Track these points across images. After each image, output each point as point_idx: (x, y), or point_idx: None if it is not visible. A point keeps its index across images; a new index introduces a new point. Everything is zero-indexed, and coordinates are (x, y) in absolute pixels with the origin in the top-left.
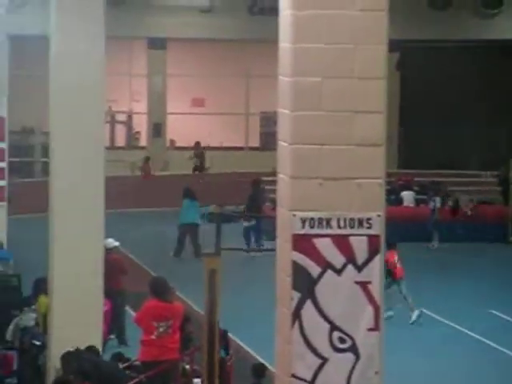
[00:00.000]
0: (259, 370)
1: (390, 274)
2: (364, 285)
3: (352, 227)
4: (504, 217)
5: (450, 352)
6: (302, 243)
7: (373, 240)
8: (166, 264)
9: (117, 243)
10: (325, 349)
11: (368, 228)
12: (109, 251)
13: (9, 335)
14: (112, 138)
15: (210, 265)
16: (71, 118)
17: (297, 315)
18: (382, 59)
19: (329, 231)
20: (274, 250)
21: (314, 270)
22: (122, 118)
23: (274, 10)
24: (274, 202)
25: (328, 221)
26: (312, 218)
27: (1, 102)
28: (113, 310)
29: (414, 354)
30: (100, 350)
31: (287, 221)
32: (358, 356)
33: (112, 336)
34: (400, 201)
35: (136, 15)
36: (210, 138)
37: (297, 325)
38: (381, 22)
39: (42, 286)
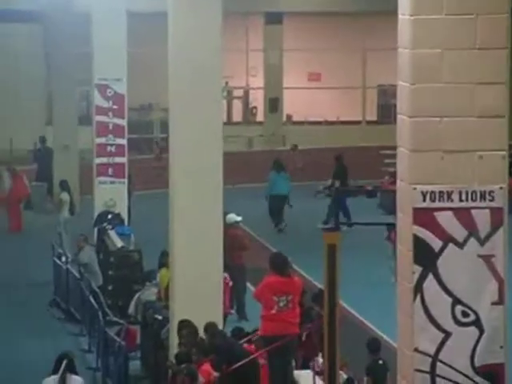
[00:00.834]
0: (374, 346)
1: None
2: (487, 258)
3: (474, 200)
4: None
5: None
6: (423, 217)
7: (495, 213)
8: (283, 239)
9: (238, 218)
10: (447, 323)
11: (490, 201)
12: (230, 226)
13: (131, 310)
14: (229, 114)
15: (330, 240)
16: (189, 95)
17: (418, 289)
18: (504, 28)
19: (450, 204)
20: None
21: (436, 243)
22: (238, 93)
23: None
24: (393, 175)
25: (449, 194)
26: (433, 192)
27: (120, 79)
28: (233, 285)
29: None
30: (221, 324)
31: (408, 194)
32: (482, 330)
33: (232, 311)
34: None
35: None
36: (327, 113)
37: (418, 299)
38: None
39: (163, 260)
